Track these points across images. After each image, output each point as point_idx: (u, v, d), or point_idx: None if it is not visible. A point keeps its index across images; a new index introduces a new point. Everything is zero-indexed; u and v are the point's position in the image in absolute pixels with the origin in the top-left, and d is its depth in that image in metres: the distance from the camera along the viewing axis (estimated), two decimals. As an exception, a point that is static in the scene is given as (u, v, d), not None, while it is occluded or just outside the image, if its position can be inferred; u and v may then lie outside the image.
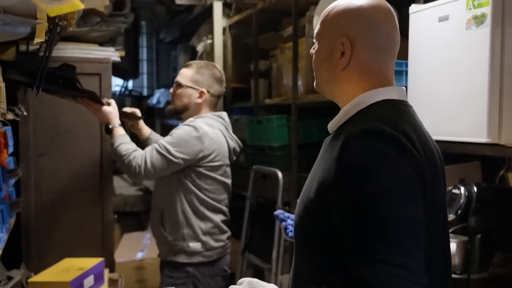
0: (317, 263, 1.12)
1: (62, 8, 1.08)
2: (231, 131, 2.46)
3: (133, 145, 2.26)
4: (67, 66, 2.21)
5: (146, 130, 2.55)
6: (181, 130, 2.26)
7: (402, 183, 0.99)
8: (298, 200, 1.21)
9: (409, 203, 0.99)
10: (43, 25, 1.27)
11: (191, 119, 2.36)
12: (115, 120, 2.30)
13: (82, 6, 1.22)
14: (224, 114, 2.44)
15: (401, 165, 0.99)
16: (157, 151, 2.21)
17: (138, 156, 2.20)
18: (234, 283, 1.22)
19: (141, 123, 2.54)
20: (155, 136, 2.57)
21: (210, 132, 2.27)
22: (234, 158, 2.49)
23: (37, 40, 1.33)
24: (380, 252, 0.95)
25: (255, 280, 1.14)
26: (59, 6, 1.05)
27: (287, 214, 1.51)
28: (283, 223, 1.50)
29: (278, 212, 1.53)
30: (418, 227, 0.99)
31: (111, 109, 2.30)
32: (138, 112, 2.51)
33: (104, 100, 2.33)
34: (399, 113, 1.10)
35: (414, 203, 0.99)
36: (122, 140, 2.25)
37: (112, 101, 2.33)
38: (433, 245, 1.10)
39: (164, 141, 2.24)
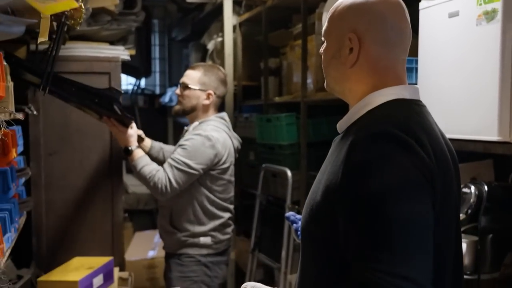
0: (323, 268, 1.10)
1: (57, 7, 1.08)
2: (231, 130, 2.53)
3: (154, 165, 2.32)
4: (114, 89, 2.30)
5: (147, 142, 2.59)
6: (194, 142, 2.30)
7: (407, 184, 0.95)
8: (305, 202, 1.19)
9: (414, 205, 0.95)
10: (46, 24, 1.27)
11: (196, 123, 2.44)
12: (135, 142, 2.37)
13: (76, 5, 1.21)
14: (225, 115, 2.52)
15: (407, 167, 0.96)
16: (177, 168, 2.27)
17: (161, 176, 2.26)
18: (243, 281, 1.21)
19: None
20: (156, 144, 2.63)
21: (219, 137, 2.35)
22: (237, 155, 2.57)
23: (41, 39, 1.33)
24: (382, 262, 0.91)
25: (259, 284, 1.13)
26: (54, 5, 1.04)
27: (298, 216, 1.49)
28: (294, 225, 1.48)
29: (289, 214, 1.52)
30: (424, 232, 0.96)
31: (133, 132, 2.37)
32: (143, 134, 2.57)
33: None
34: (410, 114, 1.07)
35: (419, 206, 0.96)
36: (144, 162, 2.31)
37: (133, 124, 2.39)
38: (444, 249, 1.07)
39: (180, 155, 2.28)
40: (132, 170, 2.36)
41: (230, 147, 2.43)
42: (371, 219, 0.94)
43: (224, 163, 2.38)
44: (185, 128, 2.52)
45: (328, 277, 1.08)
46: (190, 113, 2.47)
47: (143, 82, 6.18)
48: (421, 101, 1.15)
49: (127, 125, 2.35)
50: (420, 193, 0.97)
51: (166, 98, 5.59)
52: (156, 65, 6.31)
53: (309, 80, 2.85)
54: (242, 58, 3.82)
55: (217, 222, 2.41)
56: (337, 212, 1.01)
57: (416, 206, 0.95)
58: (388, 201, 0.94)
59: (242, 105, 3.88)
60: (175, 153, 2.31)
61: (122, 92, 2.33)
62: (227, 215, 2.46)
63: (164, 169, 2.28)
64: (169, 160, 2.30)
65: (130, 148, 2.34)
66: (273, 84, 3.50)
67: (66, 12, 1.63)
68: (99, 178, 2.71)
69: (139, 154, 2.33)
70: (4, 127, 1.47)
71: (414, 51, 1.89)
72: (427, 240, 0.96)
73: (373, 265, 0.92)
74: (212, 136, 2.31)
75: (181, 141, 2.35)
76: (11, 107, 1.97)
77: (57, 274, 2.27)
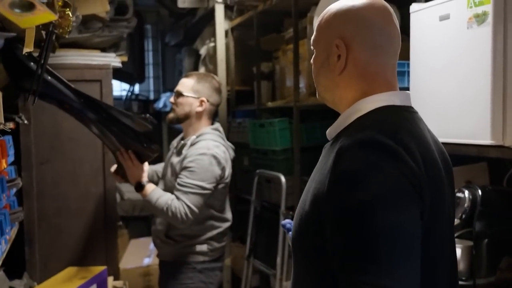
0: (314, 278, 1.08)
1: (35, 20, 1.06)
2: (226, 140, 2.53)
3: (168, 195, 2.28)
4: (150, 119, 2.22)
5: None
6: (201, 162, 2.28)
7: (394, 194, 0.94)
8: (295, 211, 1.17)
9: (401, 215, 0.93)
10: (31, 35, 1.25)
11: (193, 137, 2.41)
12: (146, 177, 2.33)
13: (55, 17, 1.20)
14: (219, 126, 2.52)
15: (394, 176, 0.94)
16: (192, 193, 2.25)
17: (178, 205, 2.23)
18: (239, 287, 1.20)
19: None
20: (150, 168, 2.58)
21: (221, 152, 2.36)
22: (232, 164, 2.56)
23: (26, 50, 1.31)
24: (369, 274, 0.90)
25: None
26: (32, 18, 1.02)
27: None
28: (290, 233, 1.46)
29: (286, 221, 1.50)
30: (411, 242, 0.94)
31: (146, 168, 2.34)
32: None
33: None
34: (399, 121, 1.05)
35: (406, 216, 0.94)
36: (158, 194, 2.29)
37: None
38: (438, 259, 1.05)
39: (190, 179, 2.26)
40: (146, 204, 2.33)
41: (229, 160, 2.44)
42: (357, 229, 0.93)
43: (227, 177, 2.39)
44: (182, 141, 2.47)
45: (321, 287, 1.06)
46: (184, 120, 2.45)
47: (137, 87, 6.16)
48: (412, 107, 1.13)
49: (143, 160, 2.31)
50: (407, 202, 0.95)
51: (160, 104, 5.56)
52: (150, 71, 6.29)
53: (301, 85, 2.83)
54: (235, 62, 3.80)
55: (214, 232, 2.41)
56: (324, 222, 0.99)
57: (403, 216, 0.93)
58: (374, 211, 0.92)
59: (235, 110, 3.86)
60: (184, 178, 2.27)
61: (155, 122, 2.25)
62: (225, 225, 2.46)
63: (178, 197, 2.24)
64: (179, 187, 2.26)
65: (142, 183, 2.30)
66: (266, 89, 3.49)
67: (53, 21, 1.61)
68: (92, 186, 2.68)
69: (151, 188, 2.30)
70: (-9, 139, 1.44)
71: (406, 54, 1.88)
72: (414, 251, 0.94)
73: (359, 277, 0.90)
74: (217, 154, 2.31)
75: (186, 163, 2.30)
76: (0, 117, 1.95)
77: (50, 285, 2.24)
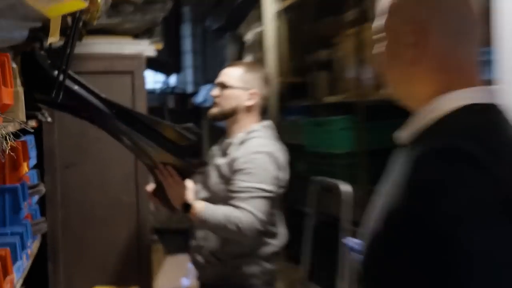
0: None
1: (63, 8, 1.11)
2: (279, 139, 2.49)
3: (222, 207, 2.23)
4: (194, 130, 2.21)
5: None
6: (257, 161, 2.26)
7: (482, 211, 0.92)
8: (364, 231, 1.17)
9: (489, 236, 0.91)
10: (57, 23, 1.31)
11: (241, 134, 2.37)
12: (192, 195, 2.29)
13: (85, 5, 1.24)
14: (271, 123, 2.48)
15: (480, 191, 0.93)
16: (254, 197, 2.21)
17: (239, 215, 2.18)
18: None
19: None
20: None
21: (277, 151, 2.34)
22: None
23: (51, 39, 1.37)
24: None
25: None
26: (59, 6, 1.07)
27: (358, 241, 1.46)
28: (354, 253, 1.45)
29: (349, 240, 1.49)
30: (502, 265, 0.92)
31: (190, 185, 2.30)
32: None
33: None
34: (487, 123, 1.03)
35: (495, 237, 0.92)
36: (211, 208, 2.24)
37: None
38: None
39: (249, 183, 2.23)
40: (199, 225, 2.30)
41: (285, 162, 2.40)
42: (437, 253, 0.91)
43: (284, 181, 2.37)
44: (226, 140, 2.47)
45: None
46: (230, 116, 2.41)
47: (173, 79, 6.24)
48: (501, 105, 1.11)
49: (184, 177, 2.28)
50: (496, 221, 0.93)
51: (200, 98, 5.61)
52: (188, 60, 6.35)
53: (366, 76, 2.81)
54: (287, 50, 3.80)
55: (265, 250, 2.36)
56: (401, 243, 0.99)
57: (490, 237, 0.91)
58: (456, 232, 0.91)
59: (287, 105, 3.86)
60: (239, 182, 2.23)
61: (201, 133, 2.25)
62: (278, 242, 2.41)
63: (237, 206, 2.20)
64: (236, 194, 2.22)
65: (188, 202, 2.25)
66: (323, 81, 3.47)
67: (81, 6, 1.67)
68: (122, 193, 2.74)
69: (201, 204, 2.25)
70: (11, 140, 1.50)
71: (487, 40, 1.83)
72: (505, 275, 0.93)
73: None
74: (274, 151, 2.30)
75: (239, 165, 2.27)
76: (22, 115, 2.02)
77: (75, 307, 2.32)
